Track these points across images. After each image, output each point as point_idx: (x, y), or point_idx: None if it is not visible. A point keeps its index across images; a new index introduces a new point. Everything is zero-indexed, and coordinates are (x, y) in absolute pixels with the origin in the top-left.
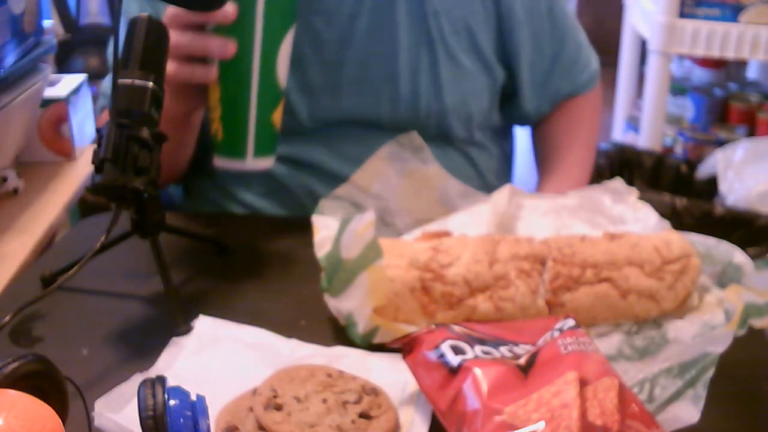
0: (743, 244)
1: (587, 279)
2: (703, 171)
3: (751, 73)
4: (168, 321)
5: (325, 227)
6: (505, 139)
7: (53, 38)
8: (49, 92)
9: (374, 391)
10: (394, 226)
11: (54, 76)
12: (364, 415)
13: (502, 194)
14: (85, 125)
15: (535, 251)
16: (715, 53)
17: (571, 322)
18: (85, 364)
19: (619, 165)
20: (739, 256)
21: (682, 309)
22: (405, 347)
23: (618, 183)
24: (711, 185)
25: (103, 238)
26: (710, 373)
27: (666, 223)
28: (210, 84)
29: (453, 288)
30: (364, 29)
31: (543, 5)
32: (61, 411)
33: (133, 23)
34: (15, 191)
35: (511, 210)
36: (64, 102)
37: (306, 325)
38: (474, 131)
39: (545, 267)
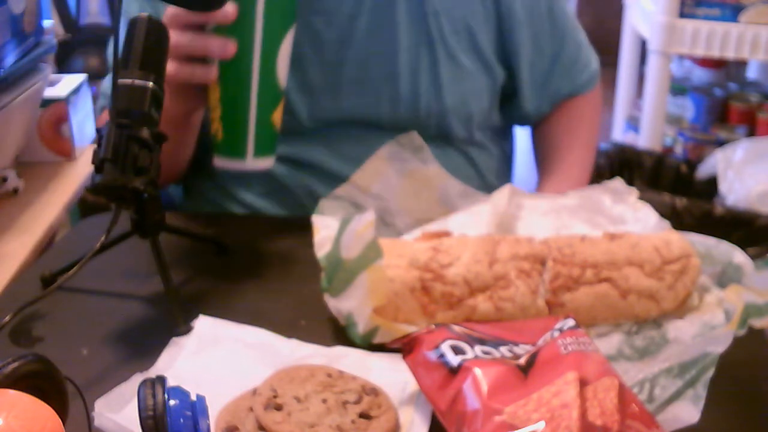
0: (743, 244)
1: (587, 279)
2: (703, 171)
3: (751, 73)
4: (168, 321)
5: (325, 227)
6: (505, 139)
7: (53, 38)
8: (49, 92)
9: (374, 391)
10: (394, 226)
11: (54, 76)
12: (364, 415)
13: (502, 194)
14: (85, 125)
15: (535, 251)
16: (715, 53)
17: (571, 322)
18: (85, 364)
19: (619, 165)
20: (739, 256)
21: (682, 309)
22: (405, 347)
23: (618, 183)
24: (711, 185)
25: (103, 238)
26: (710, 373)
27: (666, 223)
28: (210, 84)
29: (453, 288)
30: (364, 29)
31: (543, 5)
32: (61, 411)
33: (133, 23)
34: (15, 191)
35: (511, 210)
36: (64, 102)
37: (306, 325)
38: (474, 131)
39: (545, 267)
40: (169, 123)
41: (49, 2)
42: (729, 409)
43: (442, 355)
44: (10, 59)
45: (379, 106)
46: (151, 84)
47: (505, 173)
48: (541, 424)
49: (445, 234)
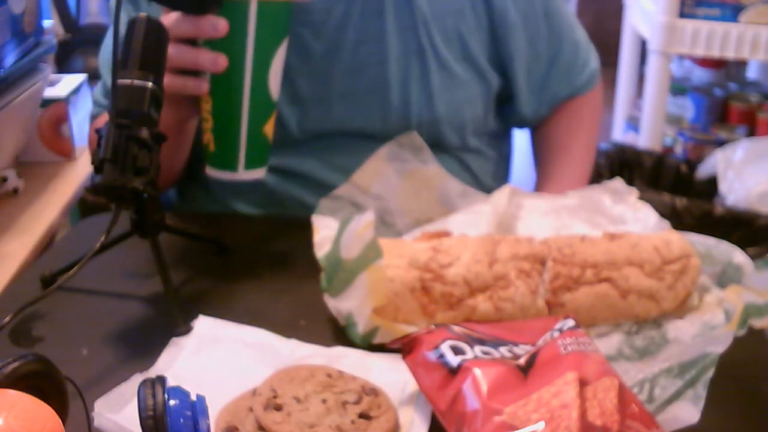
0: (743, 244)
1: (587, 279)
2: (703, 171)
3: (751, 73)
4: (168, 321)
5: (325, 227)
6: (502, 142)
7: (53, 38)
8: (49, 92)
9: (374, 392)
10: (394, 226)
11: (54, 76)
12: (364, 416)
13: (502, 194)
14: (85, 125)
15: (535, 251)
16: (715, 53)
17: (570, 322)
18: (85, 364)
19: (619, 165)
20: (739, 256)
21: (682, 309)
22: (405, 347)
23: (618, 183)
24: (711, 185)
25: (103, 238)
26: (710, 373)
27: (666, 223)
28: (202, 96)
29: (453, 288)
30: (352, 40)
31: (538, 8)
32: (61, 411)
33: (132, 23)
34: (15, 191)
35: (511, 210)
36: (64, 102)
37: (306, 325)
38: (467, 138)
39: (545, 267)
40: (164, 130)
41: (49, 2)
42: (729, 409)
43: (441, 356)
44: (10, 59)
45: (370, 117)
46: (150, 84)
47: (502, 175)
48: (541, 425)
49: (445, 234)
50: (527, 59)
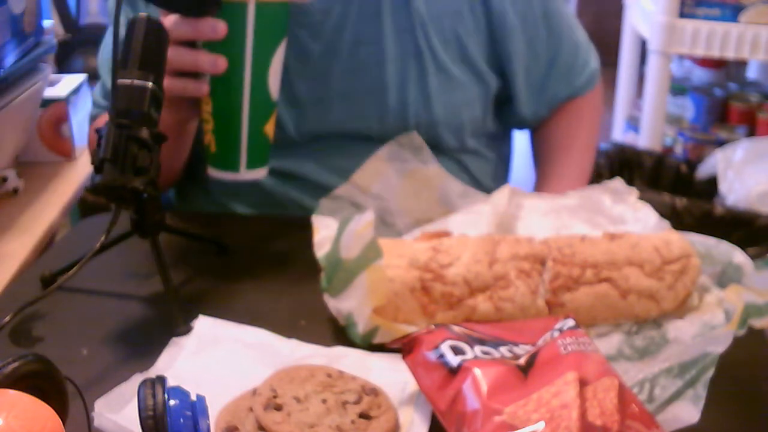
0: (743, 244)
1: (587, 279)
2: (703, 171)
3: (751, 73)
4: (168, 321)
5: (324, 227)
6: (502, 143)
7: (53, 38)
8: (49, 92)
9: (374, 392)
10: (394, 226)
11: (54, 76)
12: (364, 416)
13: (502, 194)
14: (85, 125)
15: (535, 251)
16: (715, 53)
17: (570, 322)
18: (85, 364)
19: (619, 165)
20: (739, 256)
21: (682, 309)
22: (405, 347)
23: (618, 183)
24: (711, 185)
25: (103, 238)
26: (710, 373)
27: (666, 223)
28: (202, 97)
29: (453, 288)
30: (350, 41)
31: (537, 9)
32: (61, 411)
33: (132, 23)
34: (15, 191)
35: (511, 210)
36: (64, 102)
37: (306, 325)
38: (466, 140)
39: (545, 267)
40: (164, 131)
41: (49, 2)
42: (729, 409)
43: (441, 356)
44: (10, 59)
45: (367, 119)
46: (150, 84)
47: (502, 177)
48: (541, 425)
49: (445, 234)
50: (526, 61)
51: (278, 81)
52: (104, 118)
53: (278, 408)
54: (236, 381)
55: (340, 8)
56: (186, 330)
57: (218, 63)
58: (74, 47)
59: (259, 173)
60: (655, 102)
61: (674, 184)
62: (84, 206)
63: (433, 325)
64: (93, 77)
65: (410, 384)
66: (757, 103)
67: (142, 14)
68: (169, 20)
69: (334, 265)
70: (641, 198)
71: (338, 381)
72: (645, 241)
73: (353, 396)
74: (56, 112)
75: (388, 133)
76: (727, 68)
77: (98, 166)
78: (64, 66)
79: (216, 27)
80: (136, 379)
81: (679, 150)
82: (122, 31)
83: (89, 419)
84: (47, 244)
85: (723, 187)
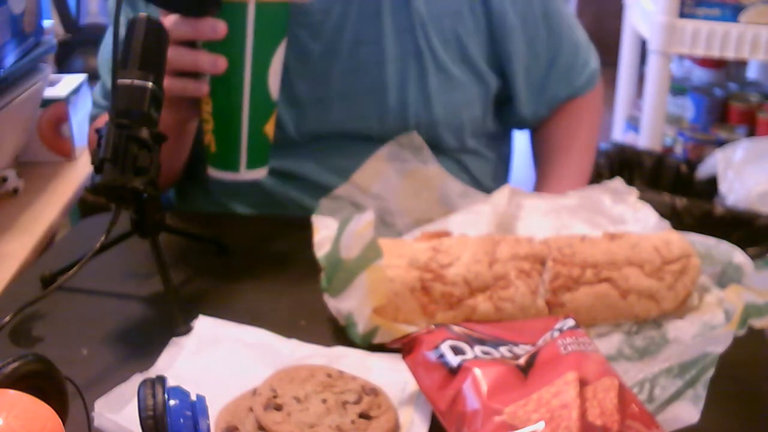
0: (743, 244)
1: (587, 279)
2: (703, 171)
3: (751, 73)
4: (168, 321)
5: (324, 227)
6: (502, 143)
7: (53, 38)
8: (49, 92)
9: (374, 392)
10: (394, 226)
11: (54, 76)
12: (364, 416)
13: (502, 194)
14: (84, 125)
15: (535, 251)
16: (715, 53)
17: (570, 322)
18: (85, 364)
19: (619, 165)
20: (739, 256)
21: (682, 309)
22: (405, 347)
23: (618, 183)
24: (711, 185)
25: (103, 238)
26: (710, 373)
27: (666, 223)
28: (202, 98)
29: (453, 288)
30: (350, 41)
31: (537, 9)
32: (61, 411)
33: (132, 23)
34: (15, 191)
35: (511, 210)
36: (64, 102)
37: (306, 325)
38: (465, 140)
39: (545, 267)
40: (164, 131)
41: (49, 2)
42: (729, 409)
43: (441, 356)
44: (10, 59)
45: (367, 119)
46: (150, 84)
47: (502, 177)
48: (541, 425)
49: (445, 234)
50: (526, 61)
51: (278, 81)
52: (104, 118)
53: (278, 408)
54: (236, 381)
55: (340, 8)
56: (186, 330)
57: (218, 63)
58: (74, 47)
59: (260, 173)
60: (655, 102)
61: (674, 184)
62: (84, 206)
63: (433, 325)
64: (93, 77)
65: (410, 384)
66: (757, 103)
67: (142, 14)
68: (169, 20)
69: (334, 265)
70: (641, 198)
71: (338, 381)
72: (645, 241)
73: (353, 396)
74: (56, 112)
75: (388, 133)
76: (727, 68)
77: (98, 166)
78: (64, 66)
79: (216, 27)
80: (136, 379)
81: (679, 150)
82: (122, 31)
83: (89, 419)
84: (47, 244)
85: (723, 187)
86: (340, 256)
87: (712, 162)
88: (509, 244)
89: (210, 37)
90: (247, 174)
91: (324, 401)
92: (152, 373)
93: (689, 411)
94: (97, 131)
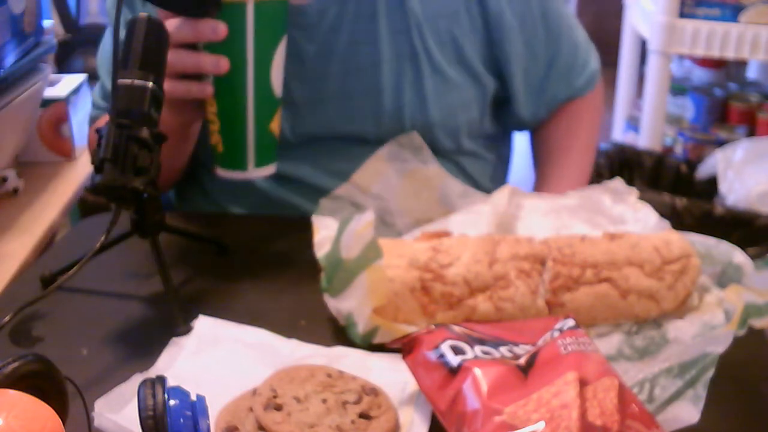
0: (743, 244)
1: (587, 279)
2: (703, 171)
3: (751, 73)
4: (168, 321)
5: (324, 227)
6: (501, 144)
7: (53, 38)
8: (49, 92)
9: (374, 392)
10: (394, 226)
11: (54, 76)
12: (364, 416)
13: (502, 194)
14: (84, 125)
15: (535, 251)
16: (715, 53)
17: (570, 322)
18: (85, 364)
19: (619, 165)
20: (739, 256)
21: (682, 309)
22: (405, 347)
23: (618, 183)
24: (711, 185)
25: (103, 238)
26: (710, 373)
27: (666, 223)
28: (207, 99)
29: (453, 288)
30: (345, 42)
31: (535, 9)
32: (61, 411)
33: (132, 23)
34: (15, 191)
35: (511, 210)
36: (64, 102)
37: (306, 325)
38: (462, 142)
39: (545, 267)
40: (167, 133)
41: (49, 2)
42: (729, 409)
43: (442, 356)
44: (10, 59)
45: (362, 120)
46: (150, 84)
47: (501, 178)
48: (541, 425)
49: (445, 234)
50: (525, 61)
51: (281, 78)
52: (104, 119)
53: (278, 408)
54: (236, 381)
55: (335, 9)
56: (186, 330)
57: (221, 63)
58: (74, 47)
59: (268, 170)
60: (655, 102)
61: (674, 184)
62: (84, 206)
63: (433, 325)
64: (93, 77)
65: (410, 384)
66: (757, 103)
67: (143, 14)
68: (171, 23)
69: (334, 265)
70: (641, 198)
71: (338, 381)
72: (645, 241)
73: (353, 396)
74: (56, 112)
75: (384, 135)
76: (727, 68)
77: (98, 166)
78: (64, 66)
79: (216, 28)
80: (136, 379)
81: (679, 150)
82: (122, 32)
83: (89, 419)
84: (47, 244)
85: (723, 187)
86: (340, 256)
87: (712, 162)
88: (509, 244)
89: (211, 39)
90: (255, 172)
91: (324, 401)
92: (152, 373)
93: (689, 411)
94: (97, 131)
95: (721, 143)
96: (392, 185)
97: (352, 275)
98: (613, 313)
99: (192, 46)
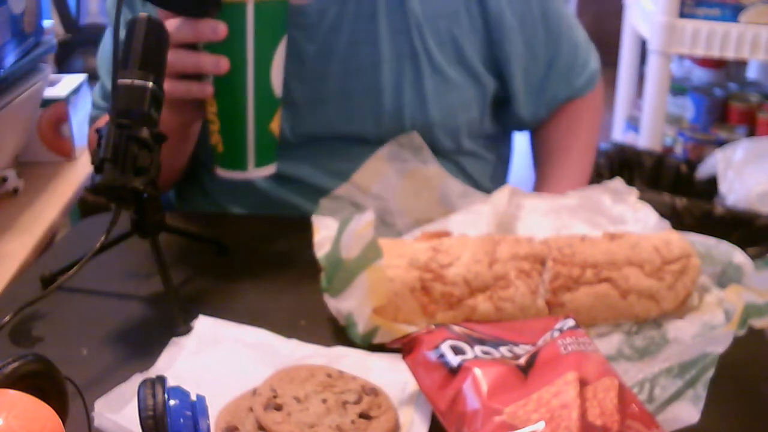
0: (743, 244)
1: (587, 279)
2: (703, 171)
3: (751, 73)
4: (168, 321)
5: (325, 227)
6: (501, 144)
7: (53, 38)
8: (49, 92)
9: (374, 392)
10: (394, 226)
11: (54, 76)
12: (364, 416)
13: (502, 194)
14: (84, 125)
15: (535, 251)
16: (715, 53)
17: (571, 322)
18: (85, 364)
19: (619, 165)
20: (739, 256)
21: (682, 309)
22: (405, 347)
23: (618, 183)
24: (711, 185)
25: (103, 238)
26: (710, 373)
27: (666, 223)
28: (207, 99)
29: (453, 288)
30: (345, 42)
31: (535, 9)
32: (61, 411)
33: (132, 23)
34: (15, 191)
35: (511, 210)
36: (64, 102)
37: (306, 325)
38: (462, 142)
39: (545, 267)
40: (167, 133)
41: (49, 2)
42: (729, 409)
43: (442, 356)
44: (10, 59)
45: (362, 121)
46: (150, 84)
47: (501, 178)
48: (541, 425)
49: (445, 234)
50: (525, 61)
51: (281, 78)
52: (104, 119)
53: (278, 408)
54: (236, 381)
55: (335, 9)
56: (186, 330)
57: (221, 63)
58: (74, 47)
59: (268, 170)
60: (655, 102)
61: (674, 184)
62: (84, 206)
63: (433, 325)
64: (93, 77)
65: (410, 384)
66: (757, 103)
67: (143, 14)
68: (171, 23)
69: (334, 265)
70: (641, 198)
71: (338, 381)
72: (645, 241)
73: (353, 396)
74: (56, 112)
75: (384, 135)
76: (727, 68)
77: (98, 166)
78: (64, 66)
79: (216, 28)
80: (136, 379)
81: (679, 150)
82: (122, 32)
83: (89, 419)
84: (47, 244)
85: (723, 187)
86: (340, 256)
87: (712, 162)
88: (509, 244)
89: (211, 39)
90: (255, 172)
91: (324, 401)
92: (152, 373)
93: (689, 411)
94: (98, 131)
95: (721, 143)
96: (392, 185)
97: (352, 275)
98: (613, 313)
99: (192, 46)
